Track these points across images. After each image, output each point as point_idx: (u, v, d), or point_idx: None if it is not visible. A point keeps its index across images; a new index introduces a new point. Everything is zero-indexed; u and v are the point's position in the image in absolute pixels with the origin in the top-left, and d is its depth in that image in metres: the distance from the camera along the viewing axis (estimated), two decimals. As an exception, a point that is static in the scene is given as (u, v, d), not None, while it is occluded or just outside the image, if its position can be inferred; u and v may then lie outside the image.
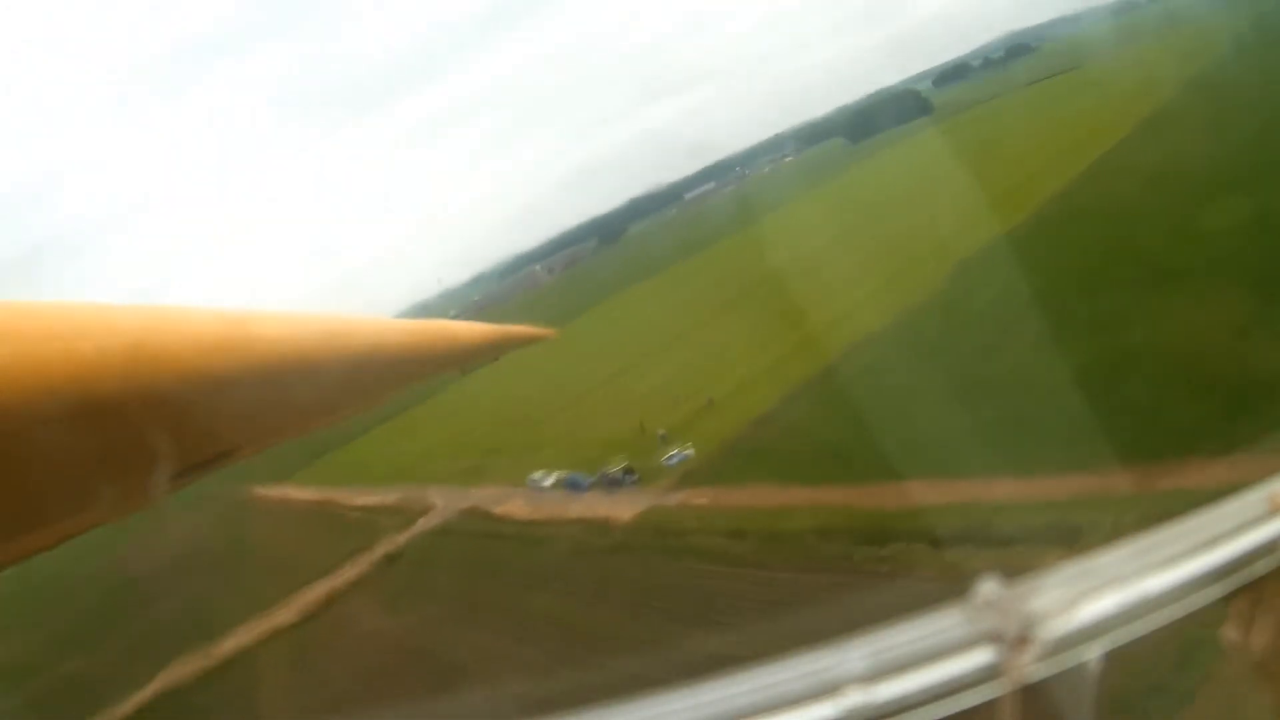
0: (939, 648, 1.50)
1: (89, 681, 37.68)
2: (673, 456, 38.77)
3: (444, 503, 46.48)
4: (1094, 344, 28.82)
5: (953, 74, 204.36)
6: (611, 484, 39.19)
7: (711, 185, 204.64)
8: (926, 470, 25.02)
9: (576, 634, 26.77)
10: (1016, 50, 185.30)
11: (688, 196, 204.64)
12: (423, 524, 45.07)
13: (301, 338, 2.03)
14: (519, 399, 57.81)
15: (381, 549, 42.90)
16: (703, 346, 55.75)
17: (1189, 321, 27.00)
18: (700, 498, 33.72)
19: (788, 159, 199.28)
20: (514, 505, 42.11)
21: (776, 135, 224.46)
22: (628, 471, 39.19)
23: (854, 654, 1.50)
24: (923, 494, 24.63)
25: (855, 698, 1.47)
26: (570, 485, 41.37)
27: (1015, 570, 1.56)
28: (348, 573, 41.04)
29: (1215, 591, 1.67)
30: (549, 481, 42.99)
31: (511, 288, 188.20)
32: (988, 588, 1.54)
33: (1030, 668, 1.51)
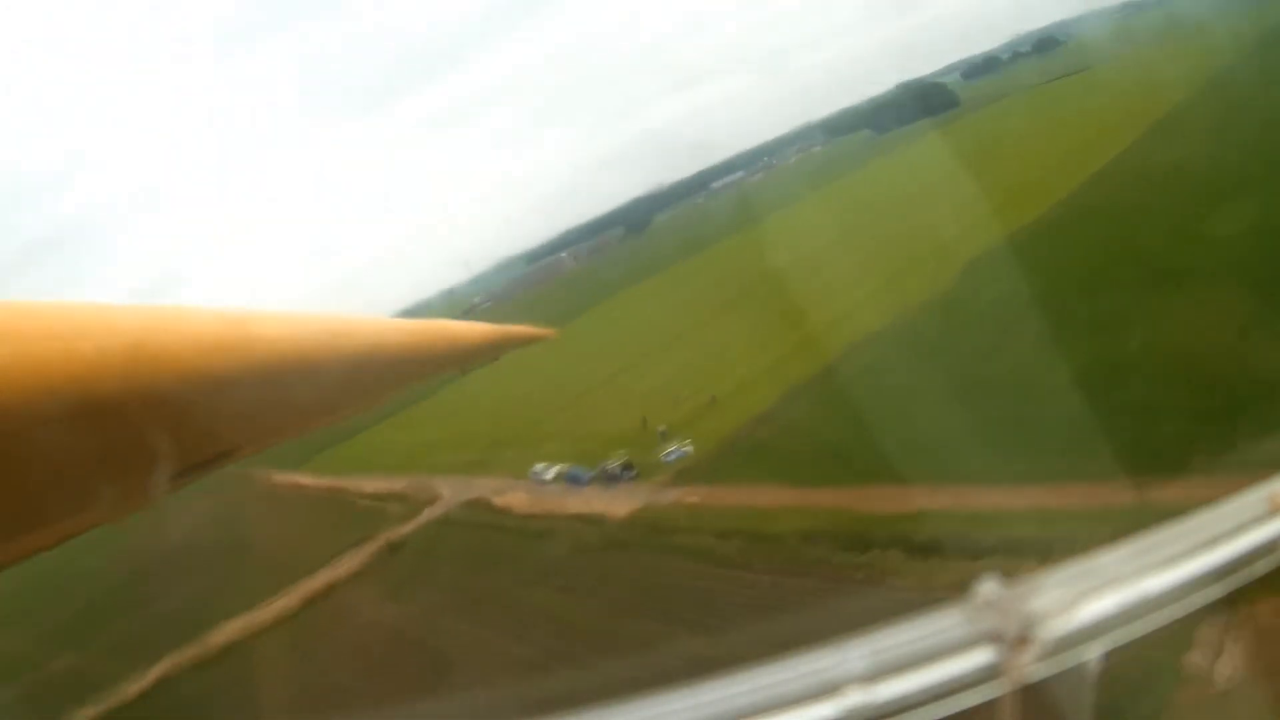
0: (939, 648, 1.50)
1: (91, 669, 37.93)
2: (671, 453, 38.94)
3: (450, 493, 46.96)
4: (1097, 347, 28.73)
5: (982, 67, 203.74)
6: (610, 479, 39.32)
7: (739, 174, 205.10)
8: (919, 474, 24.95)
9: (558, 630, 27.07)
10: (1045, 44, 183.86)
11: (714, 186, 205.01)
12: (428, 514, 45.52)
13: (301, 338, 2.03)
14: (529, 392, 58.27)
15: (386, 538, 43.43)
16: (708, 343, 56.15)
17: (1197, 325, 26.89)
18: (693, 496, 33.90)
19: (815, 149, 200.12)
20: (515, 497, 42.47)
21: (806, 125, 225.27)
22: (626, 467, 39.32)
23: (854, 654, 1.50)
24: (913, 499, 24.65)
25: (855, 698, 1.47)
26: (570, 479, 41.55)
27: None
28: (351, 561, 41.51)
29: (1215, 591, 1.67)
30: (550, 474, 43.19)
31: (536, 274, 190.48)
32: (988, 588, 1.54)
33: (1030, 668, 1.51)
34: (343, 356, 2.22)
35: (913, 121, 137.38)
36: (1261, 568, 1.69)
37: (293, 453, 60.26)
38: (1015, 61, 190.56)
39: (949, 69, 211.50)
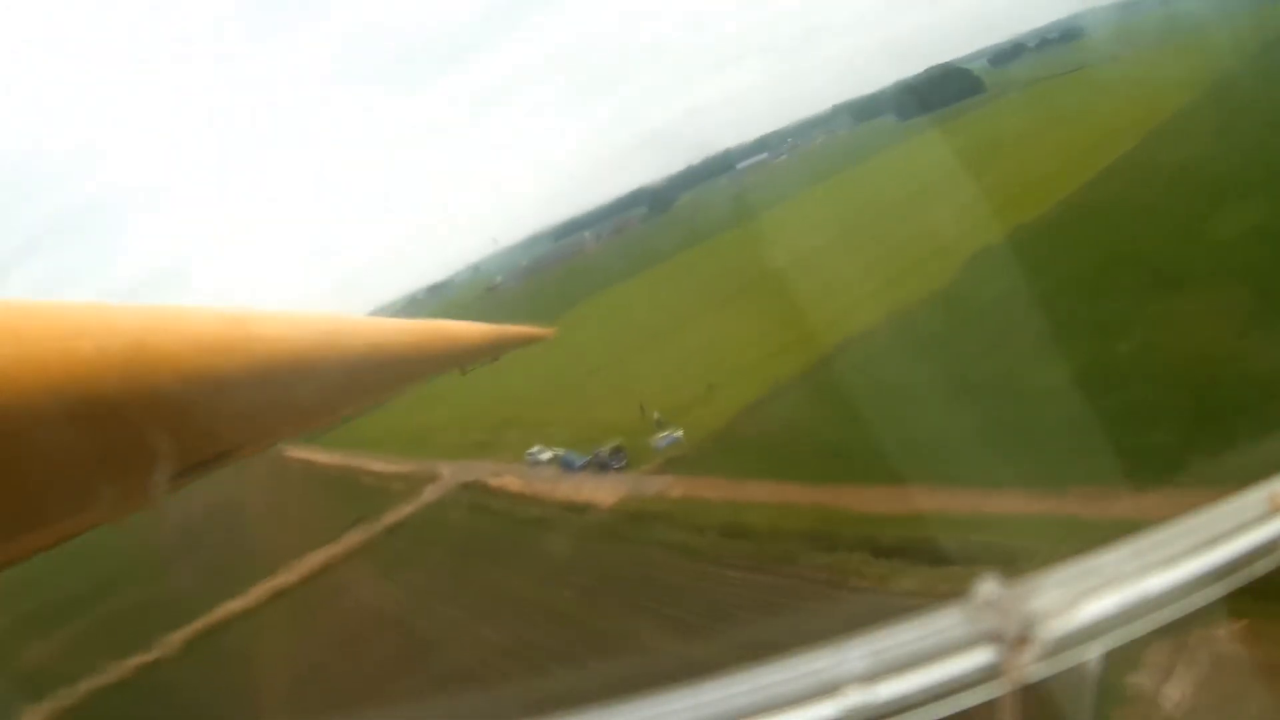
0: (939, 648, 1.50)
1: (88, 643, 38.12)
2: (663, 439, 39.02)
3: (450, 474, 47.57)
4: (1094, 348, 28.64)
5: (1010, 53, 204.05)
6: (602, 465, 39.44)
7: (764, 155, 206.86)
8: (905, 474, 24.75)
9: (534, 616, 27.39)
10: (1071, 33, 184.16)
11: (740, 166, 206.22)
12: (428, 494, 46.09)
13: (301, 338, 2.03)
14: (535, 377, 58.56)
15: (385, 517, 43.93)
16: (712, 332, 56.66)
17: (1198, 326, 26.80)
18: (678, 487, 34.14)
19: (839, 133, 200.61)
20: (509, 479, 42.91)
21: (833, 108, 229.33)
22: (617, 453, 39.33)
23: (854, 654, 1.50)
24: (895, 500, 24.57)
25: (855, 698, 1.47)
26: (564, 464, 41.66)
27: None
28: (350, 539, 42.12)
29: (1215, 591, 1.67)
30: (546, 456, 43.44)
31: (559, 252, 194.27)
32: (988, 587, 1.54)
33: (1030, 668, 1.51)
34: (343, 356, 2.22)
35: (938, 107, 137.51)
36: (1261, 568, 1.69)
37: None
38: (1042, 49, 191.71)
39: (977, 54, 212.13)
